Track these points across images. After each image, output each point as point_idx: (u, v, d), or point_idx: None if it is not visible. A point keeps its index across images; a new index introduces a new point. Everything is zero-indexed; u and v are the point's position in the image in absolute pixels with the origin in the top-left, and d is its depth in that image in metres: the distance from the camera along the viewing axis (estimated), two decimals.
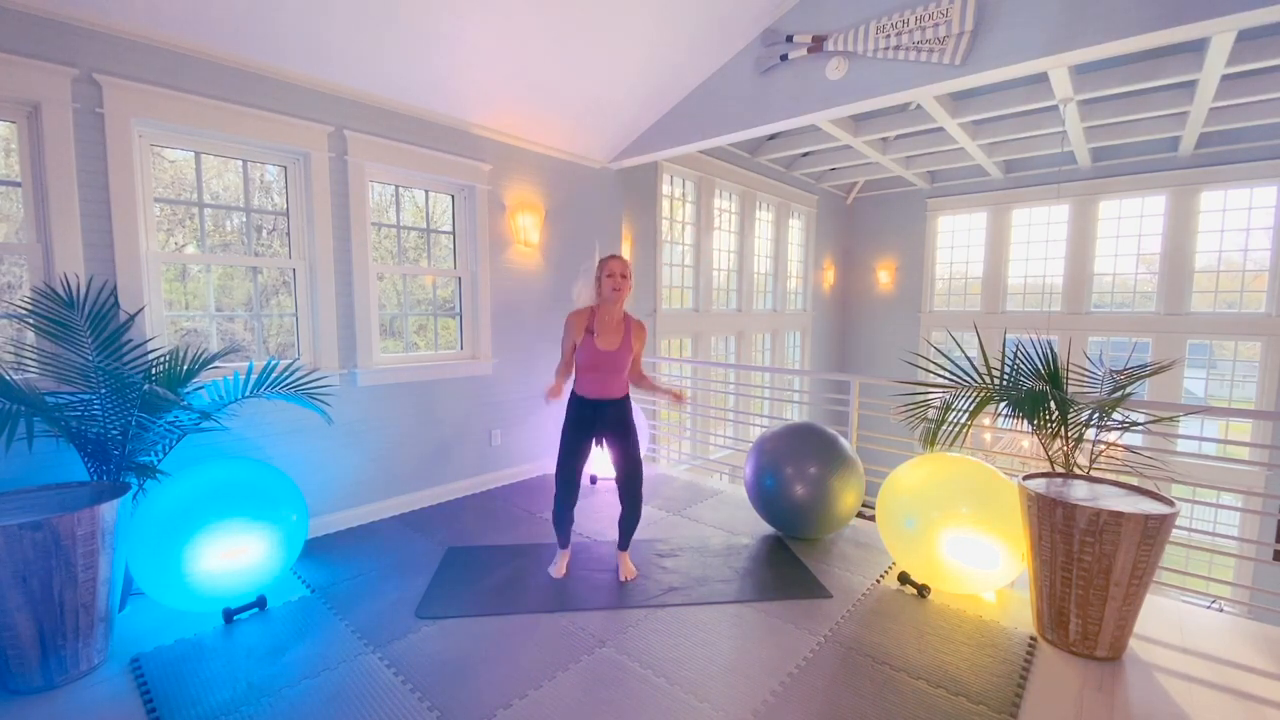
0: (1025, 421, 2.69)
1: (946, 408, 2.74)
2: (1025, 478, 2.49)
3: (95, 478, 2.37)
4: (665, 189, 5.92)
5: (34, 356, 2.41)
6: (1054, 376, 2.64)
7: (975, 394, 2.72)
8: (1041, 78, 4.64)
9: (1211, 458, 4.52)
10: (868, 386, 6.13)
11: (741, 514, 3.70)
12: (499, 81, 3.61)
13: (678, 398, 2.89)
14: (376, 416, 3.58)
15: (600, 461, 3.79)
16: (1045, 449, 2.68)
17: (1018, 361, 2.74)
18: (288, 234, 3.29)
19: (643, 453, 2.91)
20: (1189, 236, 6.63)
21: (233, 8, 2.64)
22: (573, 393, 2.81)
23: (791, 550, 3.15)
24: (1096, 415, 2.57)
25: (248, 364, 2.84)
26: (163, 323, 2.85)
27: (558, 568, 2.90)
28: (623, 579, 2.85)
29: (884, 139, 6.44)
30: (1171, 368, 3.80)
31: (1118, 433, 2.64)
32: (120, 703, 1.94)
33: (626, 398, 2.81)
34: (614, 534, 3.10)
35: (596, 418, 2.75)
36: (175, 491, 2.36)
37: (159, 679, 2.04)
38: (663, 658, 2.20)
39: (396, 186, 3.78)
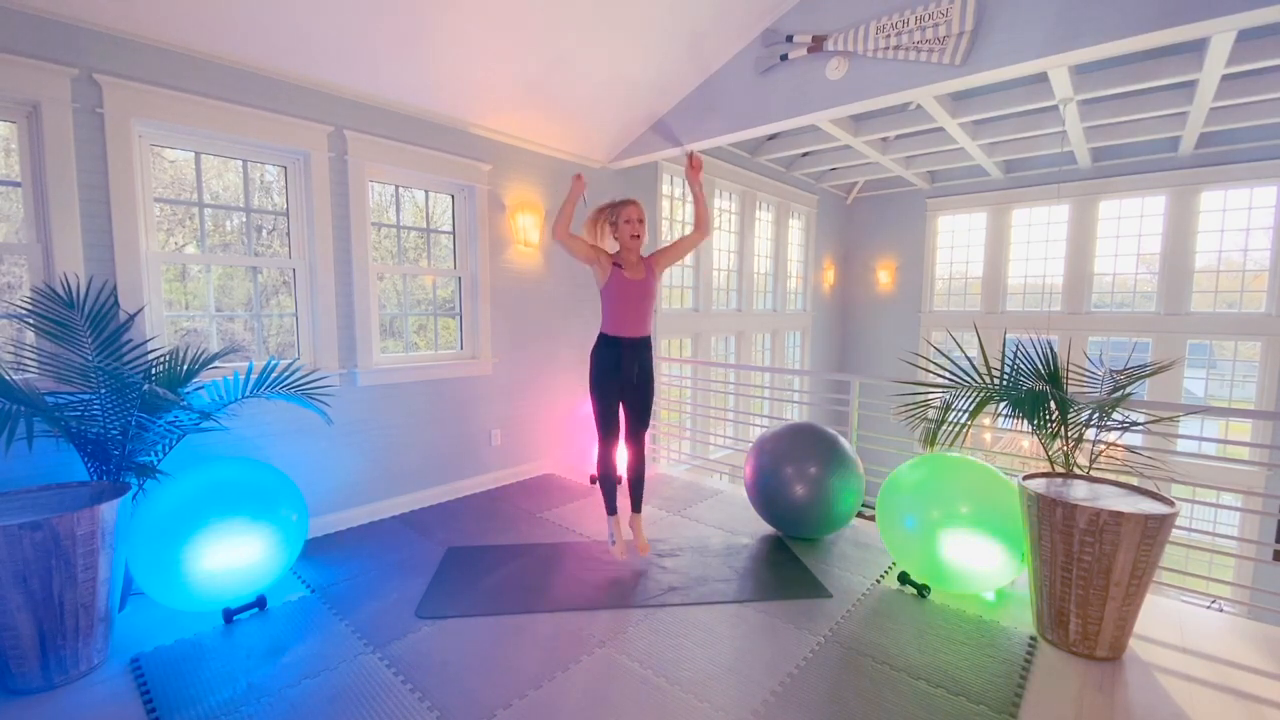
0: (1025, 421, 2.69)
1: (946, 408, 2.74)
2: (1025, 478, 2.49)
3: (95, 478, 2.37)
4: (665, 189, 5.92)
5: (34, 356, 2.41)
6: (1054, 376, 2.64)
7: (975, 394, 2.72)
8: (1041, 78, 4.64)
9: (1211, 458, 4.52)
10: (868, 386, 6.13)
11: (741, 514, 3.70)
12: (499, 81, 3.61)
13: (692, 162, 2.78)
14: (376, 416, 3.58)
15: None
16: (1045, 449, 2.68)
17: (1018, 361, 2.74)
18: (288, 234, 3.29)
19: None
20: (1189, 236, 6.62)
21: (233, 8, 2.64)
22: (599, 336, 2.84)
23: (791, 550, 3.15)
24: (1096, 415, 2.57)
25: (248, 364, 2.84)
26: (163, 323, 2.85)
27: (618, 546, 2.91)
28: (640, 550, 2.92)
29: (884, 139, 6.43)
30: (1171, 368, 3.81)
31: (1118, 433, 2.63)
32: (120, 703, 1.94)
33: (649, 340, 2.87)
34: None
35: (624, 357, 2.79)
36: (175, 491, 2.36)
37: (159, 679, 2.04)
38: (663, 658, 2.20)
39: (396, 186, 3.78)
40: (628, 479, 2.98)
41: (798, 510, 3.15)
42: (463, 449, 4.08)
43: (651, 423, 4.98)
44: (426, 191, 3.95)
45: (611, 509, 2.97)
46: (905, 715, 1.89)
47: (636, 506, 2.99)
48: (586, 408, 4.54)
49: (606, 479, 2.94)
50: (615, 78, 3.87)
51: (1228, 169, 6.28)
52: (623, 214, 2.73)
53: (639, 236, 2.73)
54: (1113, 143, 6.12)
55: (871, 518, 3.18)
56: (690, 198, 6.32)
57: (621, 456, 2.99)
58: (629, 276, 2.73)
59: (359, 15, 2.86)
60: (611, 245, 2.84)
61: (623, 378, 2.81)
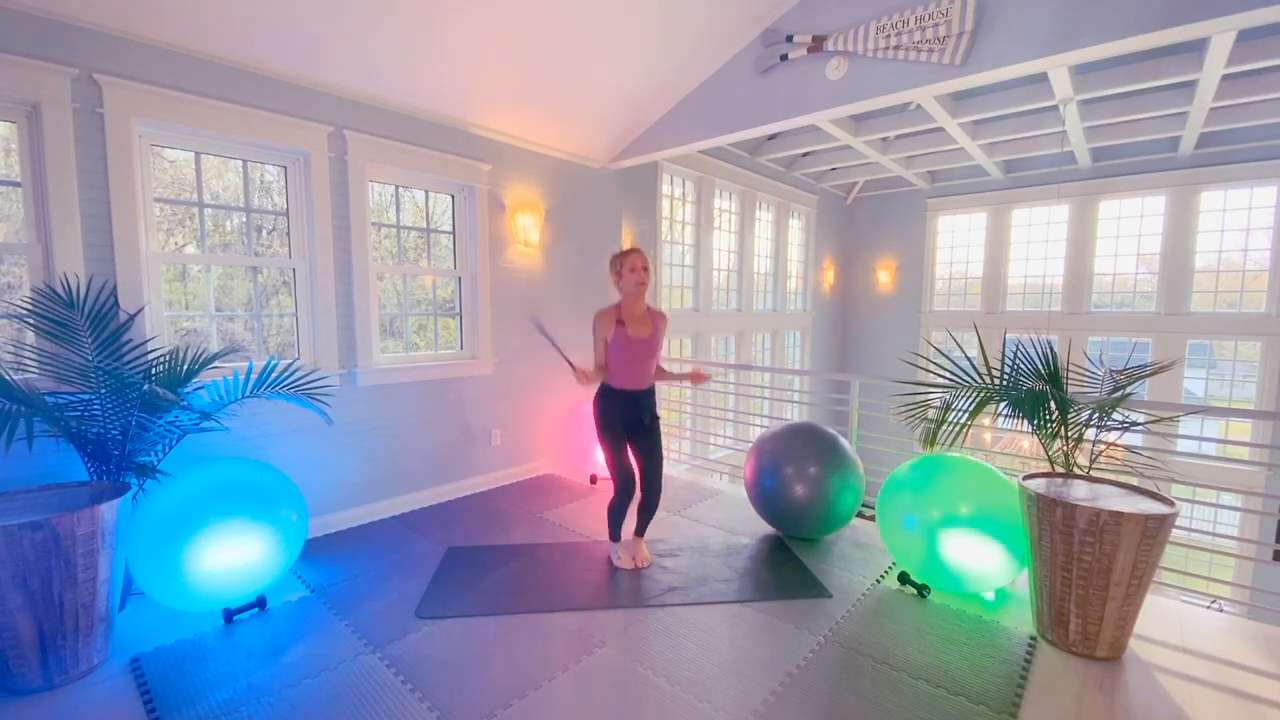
0: (1025, 421, 2.69)
1: (946, 408, 2.74)
2: (1025, 478, 2.49)
3: (95, 478, 2.37)
4: (665, 189, 5.92)
5: (34, 356, 2.41)
6: (1054, 376, 2.64)
7: (975, 394, 2.72)
8: (1041, 78, 4.64)
9: (1211, 458, 4.52)
10: (868, 386, 6.12)
11: (741, 514, 3.70)
12: (499, 81, 3.61)
13: (698, 377, 2.93)
14: (376, 416, 3.58)
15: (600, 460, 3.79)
16: (1045, 449, 2.68)
17: (1018, 361, 2.74)
18: (288, 234, 3.29)
19: None
20: (1189, 236, 6.62)
21: (232, 8, 2.64)
22: (604, 388, 2.85)
23: (791, 550, 3.15)
24: (1096, 415, 2.57)
25: (248, 364, 2.84)
26: (163, 323, 2.85)
27: (622, 559, 2.95)
28: (636, 565, 2.92)
29: (884, 139, 6.43)
30: (1171, 368, 3.80)
31: (1118, 433, 2.63)
32: (120, 703, 1.94)
33: (654, 388, 2.90)
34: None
35: (631, 408, 2.81)
36: (175, 491, 2.36)
37: (159, 679, 2.04)
38: (663, 658, 2.20)
39: (396, 186, 3.78)
40: (638, 505, 2.95)
41: (798, 510, 3.15)
42: (462, 449, 4.08)
43: None
44: (426, 191, 3.95)
45: (615, 537, 2.98)
46: (905, 715, 1.89)
47: (641, 530, 3.00)
48: (587, 407, 4.54)
49: (616, 514, 2.93)
50: (615, 78, 3.87)
51: (1228, 169, 6.28)
52: (626, 263, 2.75)
53: (644, 284, 2.75)
54: (1113, 143, 6.12)
55: (871, 518, 3.18)
56: (689, 212, 6.30)
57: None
58: (633, 335, 2.76)
59: (360, 15, 2.86)
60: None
61: (631, 423, 2.84)
